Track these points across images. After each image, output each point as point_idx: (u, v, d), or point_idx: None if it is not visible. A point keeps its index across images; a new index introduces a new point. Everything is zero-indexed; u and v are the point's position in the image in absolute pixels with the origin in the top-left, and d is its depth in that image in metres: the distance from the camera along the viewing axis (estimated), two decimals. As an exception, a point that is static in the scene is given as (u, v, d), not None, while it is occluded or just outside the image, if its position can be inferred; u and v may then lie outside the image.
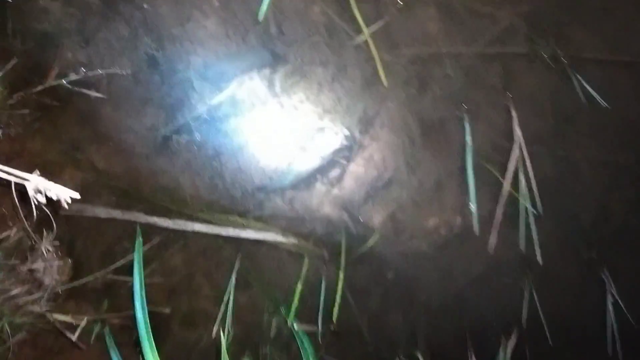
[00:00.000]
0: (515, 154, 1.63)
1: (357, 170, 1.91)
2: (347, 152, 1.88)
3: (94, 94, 1.70)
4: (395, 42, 1.79)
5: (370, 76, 1.82)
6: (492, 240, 1.63)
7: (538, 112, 1.83)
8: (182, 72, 1.76)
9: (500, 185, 1.89)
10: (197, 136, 1.78)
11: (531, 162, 1.67)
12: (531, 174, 1.63)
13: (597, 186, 1.91)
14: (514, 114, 1.66)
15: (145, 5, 1.69)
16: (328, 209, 1.92)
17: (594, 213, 1.90)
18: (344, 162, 1.87)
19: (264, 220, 1.87)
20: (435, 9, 1.72)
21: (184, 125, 1.78)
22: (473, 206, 1.59)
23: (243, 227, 1.80)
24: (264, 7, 1.57)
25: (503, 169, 1.89)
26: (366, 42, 1.73)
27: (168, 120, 1.79)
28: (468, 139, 1.63)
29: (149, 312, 1.75)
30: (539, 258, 1.67)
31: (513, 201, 1.79)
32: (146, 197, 1.80)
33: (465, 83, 1.79)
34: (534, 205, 1.66)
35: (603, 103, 1.66)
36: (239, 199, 1.89)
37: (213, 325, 1.79)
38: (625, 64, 1.76)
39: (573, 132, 1.85)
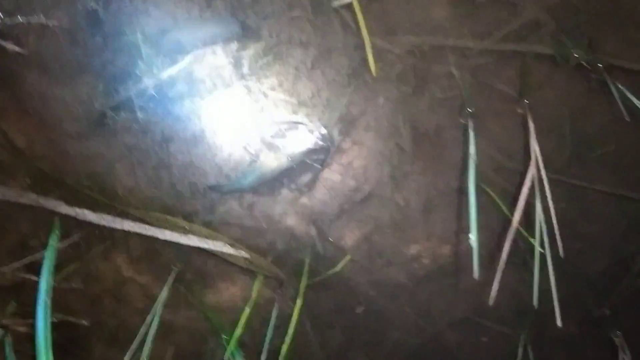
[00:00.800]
0: (529, 179, 1.27)
1: (332, 177, 1.62)
2: (322, 155, 1.60)
3: (12, 47, 1.35)
4: (392, 26, 1.46)
5: (359, 66, 1.50)
6: (494, 287, 1.27)
7: (557, 130, 1.49)
8: (129, 35, 1.42)
9: (499, 214, 1.56)
10: (140, 116, 1.44)
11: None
12: (552, 208, 1.27)
13: (617, 229, 1.58)
14: (531, 127, 1.31)
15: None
16: (293, 221, 1.67)
17: (610, 262, 1.57)
18: (318, 166, 1.60)
19: (214, 227, 1.61)
20: None
21: (125, 100, 1.46)
22: (473, 238, 1.24)
23: (185, 231, 1.46)
24: None
25: (505, 195, 1.55)
26: (356, 20, 1.38)
27: (107, 92, 1.48)
28: (472, 151, 1.27)
29: (63, 323, 1.58)
30: (535, 302, 1.32)
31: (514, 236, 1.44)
32: (69, 184, 1.48)
33: (471, 85, 1.44)
34: (541, 244, 1.31)
35: None
36: (186, 198, 1.59)
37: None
38: None
39: (597, 160, 1.50)
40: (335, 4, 1.43)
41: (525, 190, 1.28)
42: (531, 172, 1.27)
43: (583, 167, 1.54)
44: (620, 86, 1.32)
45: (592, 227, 1.64)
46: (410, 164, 1.64)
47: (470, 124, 1.34)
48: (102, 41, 1.49)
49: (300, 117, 1.61)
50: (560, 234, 1.52)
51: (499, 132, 1.54)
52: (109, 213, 1.53)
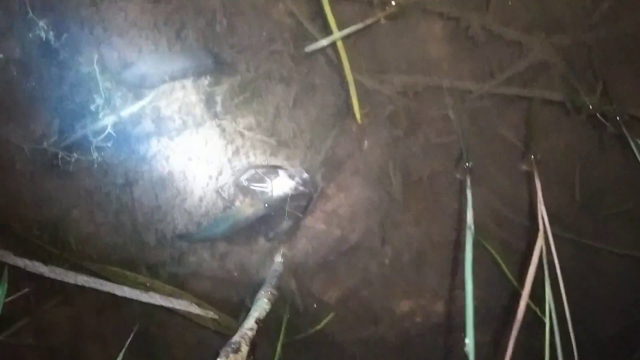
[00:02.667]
0: (537, 251, 1.09)
1: (315, 226, 1.48)
2: (304, 201, 1.45)
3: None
4: (383, 64, 1.28)
5: (345, 105, 1.34)
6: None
7: (567, 183, 1.31)
8: (88, 67, 1.25)
9: (497, 268, 1.38)
10: (97, 156, 1.27)
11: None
12: (560, 279, 1.09)
13: (631, 291, 1.41)
14: (538, 187, 1.13)
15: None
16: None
17: (623, 325, 1.39)
18: (299, 214, 1.44)
19: (182, 279, 1.41)
20: (442, 26, 1.21)
21: (80, 139, 1.28)
22: (469, 342, 1.03)
23: (146, 288, 1.29)
24: None
25: (506, 248, 1.38)
26: (339, 57, 1.21)
27: (62, 130, 1.30)
28: (469, 219, 1.09)
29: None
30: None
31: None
32: (19, 232, 1.30)
33: (470, 131, 1.27)
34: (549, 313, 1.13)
35: None
36: (151, 247, 1.42)
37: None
38: None
39: (611, 217, 1.33)
40: (310, 49, 1.25)
41: (534, 261, 1.10)
42: (539, 243, 1.08)
43: (595, 224, 1.36)
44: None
45: (604, 287, 1.46)
46: (402, 212, 1.47)
47: (468, 182, 1.16)
48: (59, 73, 1.32)
49: (279, 160, 1.45)
50: (570, 295, 1.34)
51: (500, 182, 1.38)
52: (61, 265, 1.36)
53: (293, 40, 1.34)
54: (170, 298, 1.35)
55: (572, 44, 1.25)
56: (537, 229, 1.16)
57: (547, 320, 1.07)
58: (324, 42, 1.20)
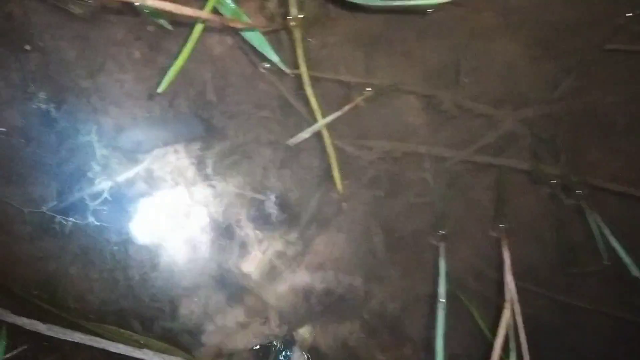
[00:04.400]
0: (504, 322, 1.15)
1: (301, 280, 1.45)
2: (291, 254, 1.48)
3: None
4: (363, 131, 1.35)
5: (330, 167, 1.39)
6: None
7: (539, 243, 1.37)
8: (85, 135, 1.32)
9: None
10: (90, 221, 1.33)
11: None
12: (523, 341, 1.15)
13: (604, 348, 1.46)
14: (506, 258, 1.20)
15: (41, 44, 1.26)
16: (259, 325, 1.55)
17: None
18: (283, 267, 1.47)
19: (175, 333, 1.44)
20: (417, 101, 1.29)
21: (77, 203, 1.34)
22: None
23: (139, 345, 1.34)
24: (167, 78, 1.12)
25: (486, 303, 1.44)
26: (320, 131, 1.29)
27: (60, 194, 1.36)
28: (441, 289, 1.16)
29: None
30: None
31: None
32: (18, 291, 1.36)
33: (446, 195, 1.34)
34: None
35: (627, 261, 1.20)
36: (145, 301, 1.46)
37: None
38: None
39: (578, 278, 1.39)
40: (292, 141, 1.33)
41: (501, 333, 1.15)
42: (505, 315, 1.15)
43: (567, 282, 1.42)
44: (599, 221, 1.21)
45: (580, 341, 1.51)
46: (385, 269, 1.52)
47: (442, 249, 1.22)
48: (57, 140, 1.40)
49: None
50: (547, 347, 1.40)
51: (478, 240, 1.43)
52: (59, 323, 1.41)
53: (280, 109, 1.41)
54: (164, 355, 1.40)
55: (537, 116, 1.33)
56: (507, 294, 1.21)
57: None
58: (306, 134, 1.28)
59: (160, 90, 1.11)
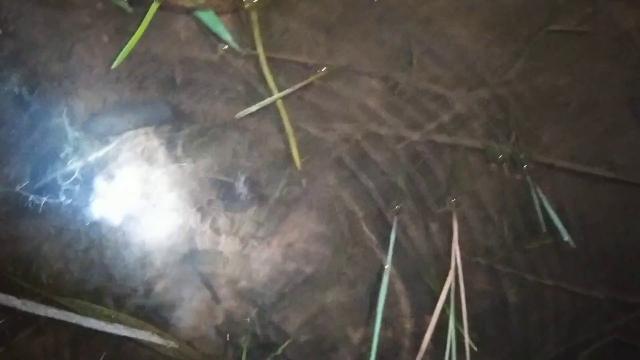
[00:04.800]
0: (447, 283, 1.21)
1: (273, 260, 1.51)
2: (261, 235, 1.54)
3: None
4: (326, 113, 1.40)
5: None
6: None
7: (494, 222, 1.42)
8: (57, 117, 1.38)
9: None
10: (64, 199, 1.38)
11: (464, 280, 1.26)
12: (463, 303, 1.21)
13: (564, 319, 1.51)
14: (455, 229, 1.25)
15: (12, 29, 1.31)
16: (231, 304, 1.57)
17: (556, 353, 1.49)
18: (253, 247, 1.53)
19: (148, 310, 1.49)
20: (373, 83, 1.34)
21: (49, 184, 1.39)
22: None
23: (110, 320, 1.39)
24: (122, 55, 1.17)
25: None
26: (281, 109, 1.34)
27: (34, 175, 1.41)
28: (389, 251, 1.21)
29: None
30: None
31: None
32: (-5, 269, 1.42)
33: (407, 171, 1.39)
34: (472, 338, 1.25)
35: (567, 237, 1.26)
36: (118, 280, 1.51)
37: None
38: (604, 179, 1.36)
39: (534, 254, 1.45)
40: (240, 114, 1.38)
41: (442, 298, 1.21)
42: (448, 281, 1.21)
43: (526, 258, 1.47)
44: (540, 193, 1.26)
45: (539, 314, 1.57)
46: (353, 246, 1.57)
47: (395, 222, 1.28)
48: (31, 122, 1.45)
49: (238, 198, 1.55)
50: (508, 324, 1.45)
51: (433, 214, 1.49)
52: (33, 299, 1.46)
53: (247, 91, 1.46)
54: (134, 329, 1.45)
55: (491, 97, 1.38)
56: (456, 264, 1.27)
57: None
58: (254, 108, 1.32)
59: (114, 66, 1.16)
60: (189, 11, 1.36)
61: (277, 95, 1.29)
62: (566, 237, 1.27)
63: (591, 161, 1.40)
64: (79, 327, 1.50)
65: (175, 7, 1.34)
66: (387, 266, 1.24)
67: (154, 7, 1.20)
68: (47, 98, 1.43)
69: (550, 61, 1.42)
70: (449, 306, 1.33)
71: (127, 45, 1.20)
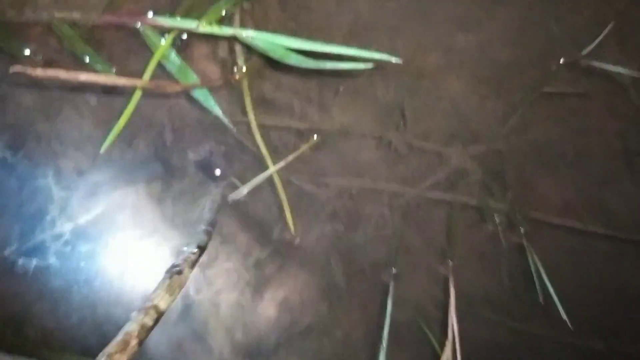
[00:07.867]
0: (447, 349, 1.19)
1: (267, 313, 1.48)
2: (256, 285, 1.53)
3: None
4: (320, 168, 1.38)
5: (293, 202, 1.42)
6: None
7: (482, 285, 1.41)
8: (45, 178, 1.35)
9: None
10: (54, 262, 1.36)
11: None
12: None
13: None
14: (452, 294, 1.23)
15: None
16: (227, 357, 1.55)
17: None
18: (247, 301, 1.54)
19: None
20: (368, 143, 1.32)
21: (38, 246, 1.36)
22: None
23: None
24: (109, 140, 1.15)
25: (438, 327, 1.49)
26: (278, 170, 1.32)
27: (22, 237, 1.38)
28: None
29: None
30: None
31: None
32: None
33: (402, 227, 1.37)
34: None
35: (564, 317, 1.24)
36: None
37: None
38: (599, 235, 1.35)
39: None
40: (232, 198, 1.36)
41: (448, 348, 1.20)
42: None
43: (526, 310, 1.46)
44: (537, 262, 1.25)
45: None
46: (348, 299, 1.56)
47: (391, 289, 1.26)
48: (18, 184, 1.42)
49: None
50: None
51: (428, 275, 1.47)
52: (24, 354, 1.44)
53: (238, 144, 1.44)
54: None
55: (487, 152, 1.36)
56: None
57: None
58: (245, 190, 1.30)
59: (102, 151, 1.13)
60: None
61: (272, 168, 1.26)
62: (564, 317, 1.25)
63: (586, 215, 1.39)
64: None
65: (162, 93, 1.32)
66: (387, 320, 1.20)
67: (137, 95, 1.17)
68: (34, 159, 1.40)
69: (543, 117, 1.40)
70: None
71: (113, 130, 1.17)
